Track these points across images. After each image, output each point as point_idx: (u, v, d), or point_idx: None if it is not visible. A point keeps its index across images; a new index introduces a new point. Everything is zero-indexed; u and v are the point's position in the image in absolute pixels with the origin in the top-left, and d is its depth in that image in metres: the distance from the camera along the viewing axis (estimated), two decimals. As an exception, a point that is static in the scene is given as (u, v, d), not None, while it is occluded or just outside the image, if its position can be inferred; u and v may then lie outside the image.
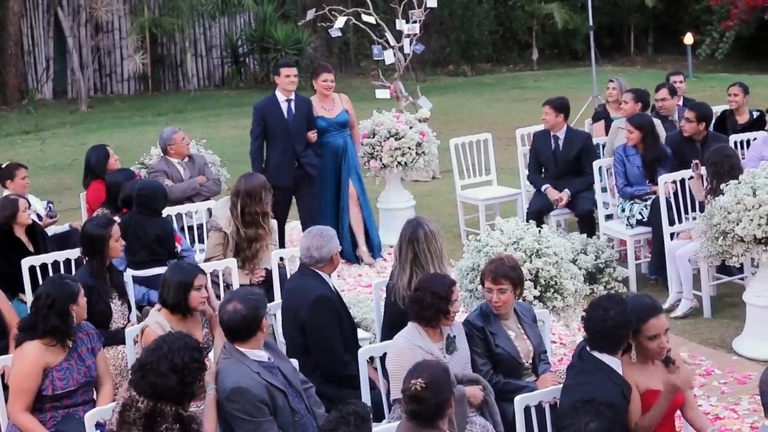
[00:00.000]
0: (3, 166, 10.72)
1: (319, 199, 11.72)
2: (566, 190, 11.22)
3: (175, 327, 6.75)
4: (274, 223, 9.65)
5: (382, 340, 7.34)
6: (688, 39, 25.98)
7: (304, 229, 10.95)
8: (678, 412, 6.23)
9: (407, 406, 5.40)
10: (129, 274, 8.74)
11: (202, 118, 22.93)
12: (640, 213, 10.59)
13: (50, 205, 10.74)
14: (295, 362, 6.42)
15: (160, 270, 8.74)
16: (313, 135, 11.48)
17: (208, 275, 8.37)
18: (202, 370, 5.63)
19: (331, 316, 7.03)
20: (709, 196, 9.46)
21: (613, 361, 5.79)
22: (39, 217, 10.39)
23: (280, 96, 11.42)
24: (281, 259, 9.04)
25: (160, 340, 5.66)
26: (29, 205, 9.55)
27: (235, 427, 5.88)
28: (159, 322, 6.94)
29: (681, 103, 12.40)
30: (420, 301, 6.47)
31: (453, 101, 23.42)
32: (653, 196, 10.47)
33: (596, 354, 5.80)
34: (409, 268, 7.25)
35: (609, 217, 11.11)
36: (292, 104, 11.41)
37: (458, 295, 6.55)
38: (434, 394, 5.31)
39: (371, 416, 5.28)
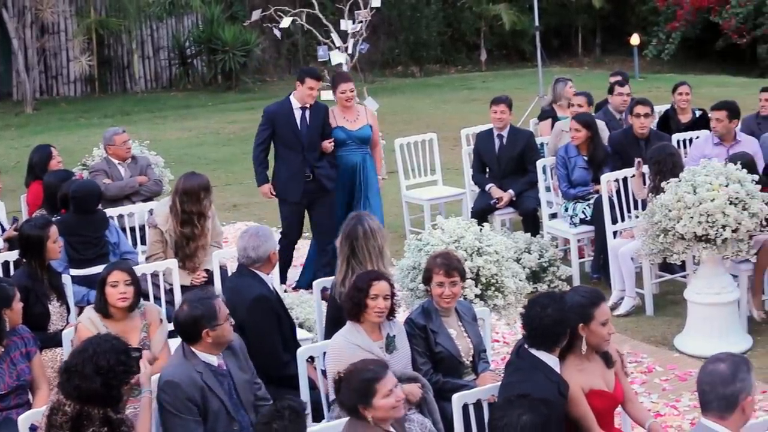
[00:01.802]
0: None
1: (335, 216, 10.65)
2: (510, 190, 11.23)
3: (109, 328, 6.72)
4: (218, 224, 9.59)
5: (325, 337, 7.31)
6: (635, 40, 26.17)
7: (318, 245, 10.80)
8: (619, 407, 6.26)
9: None
10: (68, 275, 8.66)
11: (148, 119, 22.80)
12: (583, 212, 10.64)
13: (15, 219, 10.60)
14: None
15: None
16: (329, 144, 10.66)
17: (149, 276, 8.40)
18: (129, 374, 5.57)
19: (270, 316, 6.99)
20: (650, 194, 9.52)
21: (550, 359, 5.78)
22: (1, 225, 10.34)
23: (295, 102, 10.59)
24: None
25: (86, 342, 5.61)
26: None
27: (164, 420, 5.89)
28: (92, 318, 6.94)
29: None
30: (346, 295, 6.56)
31: (401, 102, 23.41)
32: (596, 195, 10.52)
33: (534, 351, 5.79)
34: (346, 265, 7.24)
35: (553, 216, 11.16)
36: (307, 113, 10.58)
37: (382, 290, 6.46)
38: (344, 389, 5.39)
39: (306, 411, 5.27)
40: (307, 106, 10.54)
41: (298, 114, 10.54)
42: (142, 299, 7.59)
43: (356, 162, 10.87)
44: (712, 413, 4.70)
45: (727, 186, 8.46)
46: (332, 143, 10.66)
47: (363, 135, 10.90)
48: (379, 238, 7.36)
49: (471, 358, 6.80)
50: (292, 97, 10.60)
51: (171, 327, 8.31)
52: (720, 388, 4.66)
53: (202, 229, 9.05)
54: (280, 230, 11.10)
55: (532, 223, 11.16)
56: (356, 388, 5.36)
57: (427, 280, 6.89)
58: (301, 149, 10.51)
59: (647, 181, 9.99)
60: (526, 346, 5.86)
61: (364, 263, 7.21)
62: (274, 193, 10.75)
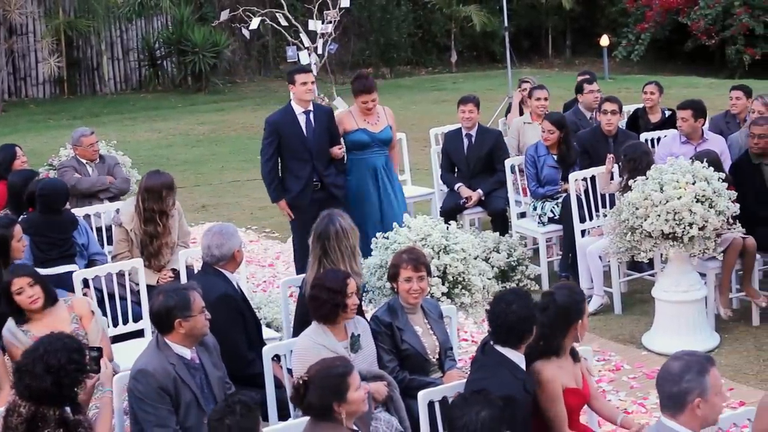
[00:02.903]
0: None
1: (365, 224, 9.73)
2: (479, 190, 11.22)
3: (32, 330, 6.67)
4: (185, 224, 9.54)
5: (293, 335, 7.28)
6: (604, 41, 26.30)
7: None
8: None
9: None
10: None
11: (118, 121, 22.78)
12: (551, 211, 10.65)
13: None
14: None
15: (69, 267, 8.76)
16: (339, 150, 10.11)
17: (114, 275, 8.34)
18: (81, 372, 5.51)
19: (234, 315, 6.95)
20: (619, 192, 9.55)
21: (515, 356, 5.77)
22: None
23: (297, 107, 9.97)
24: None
25: (39, 341, 5.55)
26: None
27: (136, 409, 5.87)
28: (10, 329, 6.87)
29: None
30: (316, 299, 6.41)
31: (371, 103, 23.38)
32: (564, 194, 10.53)
33: (499, 348, 5.78)
34: (318, 264, 7.18)
35: (522, 215, 11.15)
36: (311, 116, 9.97)
37: (354, 287, 6.45)
38: (311, 393, 5.28)
39: (257, 404, 5.21)
40: (311, 109, 10.00)
41: (302, 119, 9.97)
42: (72, 293, 7.57)
43: (379, 165, 10.30)
44: (666, 410, 4.73)
45: (693, 184, 8.47)
46: (342, 149, 10.18)
47: (386, 137, 10.34)
48: (352, 238, 7.32)
49: (437, 356, 6.78)
50: (292, 103, 10.04)
51: (137, 327, 8.39)
52: (667, 387, 4.70)
53: (165, 227, 8.99)
54: (294, 247, 10.60)
55: (501, 223, 11.14)
56: (329, 385, 5.28)
57: (393, 276, 6.84)
58: (310, 157, 9.97)
59: (615, 177, 10.02)
60: (491, 342, 5.84)
61: (336, 263, 7.16)
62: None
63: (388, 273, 6.94)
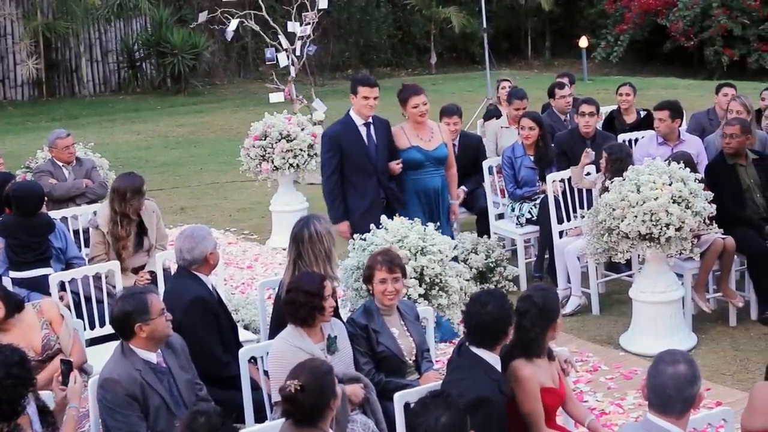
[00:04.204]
0: None
1: None
2: (462, 187, 11.19)
3: (4, 339, 6.61)
4: (162, 227, 9.51)
5: (270, 337, 7.27)
6: (583, 42, 26.37)
7: None
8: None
9: (281, 406, 5.31)
10: (9, 276, 8.57)
11: (97, 123, 22.74)
12: (529, 212, 10.66)
13: None
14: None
15: (45, 271, 8.69)
16: (397, 166, 9.45)
17: (91, 278, 8.32)
18: (23, 386, 5.41)
19: (208, 317, 6.91)
20: (595, 190, 9.58)
21: (491, 357, 5.76)
22: None
23: (357, 119, 9.38)
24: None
25: None
26: None
27: (106, 417, 5.85)
28: None
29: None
30: (293, 302, 6.37)
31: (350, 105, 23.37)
32: (542, 196, 10.54)
33: (474, 349, 5.77)
34: (293, 266, 7.17)
35: (500, 216, 11.16)
36: (372, 129, 9.40)
37: (331, 290, 6.45)
38: (310, 397, 5.17)
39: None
40: (371, 121, 9.43)
41: (363, 131, 9.40)
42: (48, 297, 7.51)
43: (437, 186, 9.57)
44: (671, 414, 4.68)
45: (670, 185, 8.49)
46: (400, 164, 9.47)
47: (441, 155, 9.59)
48: (326, 242, 7.28)
49: (414, 358, 6.78)
50: (351, 113, 9.45)
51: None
52: (687, 390, 4.67)
53: (125, 230, 8.94)
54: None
55: (485, 222, 11.07)
56: (325, 384, 5.22)
57: (368, 278, 6.85)
58: (374, 171, 9.34)
59: (592, 173, 10.05)
60: (467, 343, 5.84)
61: (310, 266, 7.15)
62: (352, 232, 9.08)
63: (363, 275, 6.94)
